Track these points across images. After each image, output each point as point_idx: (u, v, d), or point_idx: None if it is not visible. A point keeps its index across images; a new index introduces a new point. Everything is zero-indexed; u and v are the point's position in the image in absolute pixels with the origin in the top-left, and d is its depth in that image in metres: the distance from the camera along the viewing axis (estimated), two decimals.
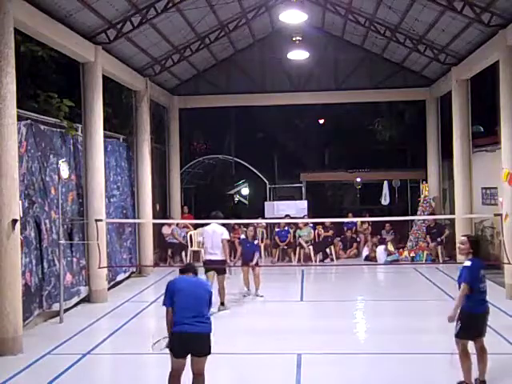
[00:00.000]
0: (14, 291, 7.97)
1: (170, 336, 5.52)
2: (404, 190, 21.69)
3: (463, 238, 6.46)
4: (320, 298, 11.88)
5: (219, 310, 10.32)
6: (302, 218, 17.76)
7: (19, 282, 8.23)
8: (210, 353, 5.55)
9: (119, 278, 13.23)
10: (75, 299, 10.85)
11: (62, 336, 8.77)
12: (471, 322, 6.12)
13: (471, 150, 14.74)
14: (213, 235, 10.45)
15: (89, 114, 11.55)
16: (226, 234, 10.53)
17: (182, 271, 5.91)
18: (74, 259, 11.10)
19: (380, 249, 16.48)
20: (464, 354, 6.18)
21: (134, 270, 14.64)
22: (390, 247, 16.59)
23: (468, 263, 6.17)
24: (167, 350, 5.55)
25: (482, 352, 6.32)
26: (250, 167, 21.09)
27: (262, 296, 11.67)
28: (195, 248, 16.56)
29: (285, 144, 25.51)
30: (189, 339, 5.43)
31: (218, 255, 10.31)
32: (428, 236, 16.43)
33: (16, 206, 8.11)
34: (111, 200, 13.19)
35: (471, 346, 6.29)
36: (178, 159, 18.47)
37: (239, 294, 11.94)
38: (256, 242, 12.28)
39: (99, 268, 10.91)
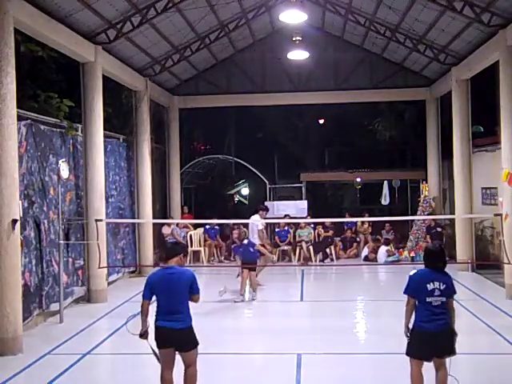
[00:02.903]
0: (14, 291, 7.97)
1: (142, 326, 5.68)
2: (404, 190, 21.69)
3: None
4: (320, 298, 11.88)
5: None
6: (305, 218, 17.77)
7: (19, 283, 8.23)
8: (195, 346, 5.65)
9: (111, 278, 13.12)
10: (69, 300, 10.81)
11: (62, 336, 8.77)
12: (416, 339, 5.59)
13: (471, 150, 14.72)
14: (252, 225, 12.62)
15: (89, 114, 11.55)
16: (260, 226, 12.47)
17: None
18: (70, 259, 11.09)
19: (382, 249, 16.48)
20: (415, 376, 5.62)
21: (128, 270, 14.61)
22: (391, 247, 16.60)
23: (412, 272, 5.80)
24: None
25: (437, 371, 5.67)
26: (250, 167, 21.09)
27: (242, 300, 11.38)
28: (195, 248, 16.57)
29: (285, 144, 25.52)
30: (168, 334, 5.55)
31: (255, 240, 12.29)
32: (428, 236, 16.43)
33: (16, 205, 8.10)
34: (109, 200, 13.17)
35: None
36: (178, 159, 18.47)
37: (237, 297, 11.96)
38: (245, 241, 12.05)
39: (99, 268, 10.92)
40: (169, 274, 5.64)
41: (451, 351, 5.62)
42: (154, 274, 5.76)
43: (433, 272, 5.69)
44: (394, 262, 16.03)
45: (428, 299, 5.56)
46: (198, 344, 5.69)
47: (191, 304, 5.69)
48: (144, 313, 5.68)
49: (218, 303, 10.98)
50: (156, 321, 5.63)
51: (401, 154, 23.87)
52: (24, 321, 8.53)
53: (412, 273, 5.79)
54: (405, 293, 5.74)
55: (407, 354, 5.72)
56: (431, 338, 5.55)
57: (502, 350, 7.88)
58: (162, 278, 5.65)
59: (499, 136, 11.57)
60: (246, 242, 12.00)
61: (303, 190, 20.60)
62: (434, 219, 16.43)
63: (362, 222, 18.31)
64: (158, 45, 14.12)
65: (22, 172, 8.97)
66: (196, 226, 17.46)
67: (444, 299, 5.60)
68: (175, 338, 5.56)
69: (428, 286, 5.58)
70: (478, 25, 11.76)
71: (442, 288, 5.59)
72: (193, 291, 5.63)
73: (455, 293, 5.74)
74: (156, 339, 5.61)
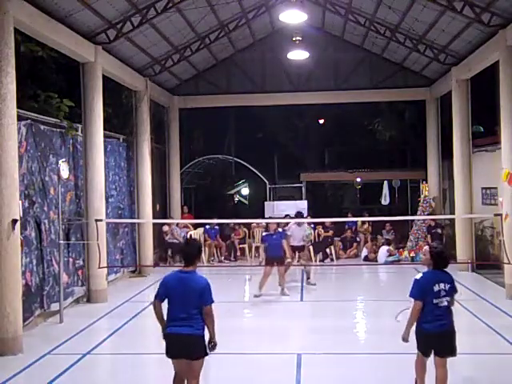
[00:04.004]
0: (14, 291, 7.97)
1: (162, 328, 5.36)
2: (404, 190, 21.70)
3: (426, 247, 6.10)
4: (320, 298, 11.88)
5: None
6: (305, 218, 17.72)
7: (19, 283, 8.23)
8: (202, 356, 5.31)
9: (110, 278, 13.01)
10: (69, 300, 10.81)
11: (62, 336, 8.76)
12: (420, 338, 5.66)
13: (471, 150, 14.72)
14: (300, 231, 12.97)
15: (89, 114, 11.55)
16: (288, 232, 12.60)
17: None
18: (70, 259, 11.08)
19: (382, 249, 16.48)
20: (418, 364, 5.82)
21: (128, 270, 14.59)
22: (392, 247, 16.58)
23: (418, 276, 5.76)
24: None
25: (437, 372, 5.70)
26: (250, 167, 21.10)
27: (288, 294, 11.70)
28: None
29: (285, 144, 25.53)
30: (176, 339, 5.25)
31: (297, 242, 12.90)
32: (428, 236, 16.42)
33: (16, 206, 8.10)
34: (109, 200, 13.16)
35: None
36: (178, 159, 18.48)
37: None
38: (280, 229, 12.29)
39: (99, 268, 10.91)
40: (184, 277, 5.32)
41: (452, 351, 5.66)
42: (169, 276, 5.39)
43: (436, 273, 5.73)
44: (394, 262, 16.04)
45: (435, 301, 5.60)
46: (206, 355, 5.30)
47: None
48: (158, 315, 5.34)
49: (217, 303, 10.96)
50: (166, 328, 5.32)
51: (401, 153, 23.88)
52: (26, 321, 8.55)
53: (418, 276, 5.76)
54: (413, 297, 5.66)
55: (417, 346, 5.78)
56: (432, 338, 5.61)
57: (502, 350, 7.89)
58: (176, 281, 5.32)
59: (499, 136, 11.57)
60: (280, 230, 12.22)
61: (303, 190, 20.61)
62: (433, 219, 16.44)
63: (362, 222, 18.30)
64: (158, 45, 14.12)
65: (22, 172, 8.97)
66: (196, 226, 17.45)
67: (449, 299, 5.66)
68: (183, 343, 5.22)
69: (434, 287, 5.63)
70: (477, 25, 11.76)
71: (446, 288, 5.65)
72: (204, 301, 5.25)
73: (456, 291, 5.79)
74: (166, 348, 5.29)
